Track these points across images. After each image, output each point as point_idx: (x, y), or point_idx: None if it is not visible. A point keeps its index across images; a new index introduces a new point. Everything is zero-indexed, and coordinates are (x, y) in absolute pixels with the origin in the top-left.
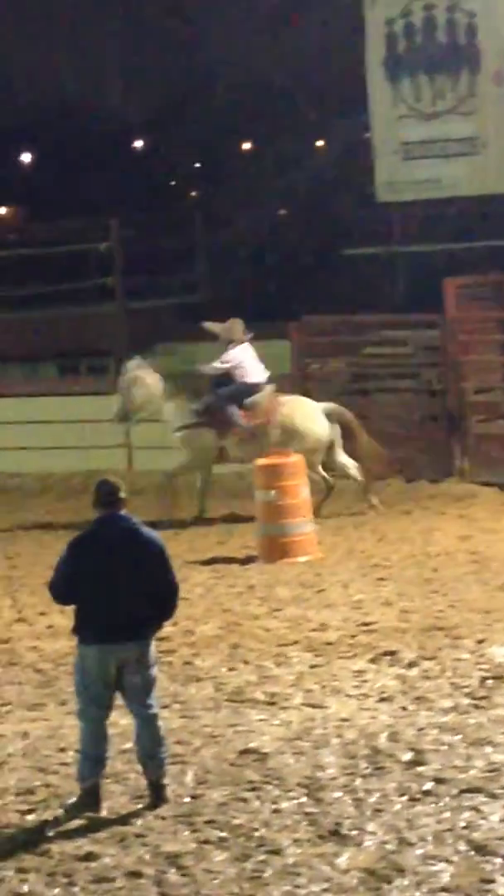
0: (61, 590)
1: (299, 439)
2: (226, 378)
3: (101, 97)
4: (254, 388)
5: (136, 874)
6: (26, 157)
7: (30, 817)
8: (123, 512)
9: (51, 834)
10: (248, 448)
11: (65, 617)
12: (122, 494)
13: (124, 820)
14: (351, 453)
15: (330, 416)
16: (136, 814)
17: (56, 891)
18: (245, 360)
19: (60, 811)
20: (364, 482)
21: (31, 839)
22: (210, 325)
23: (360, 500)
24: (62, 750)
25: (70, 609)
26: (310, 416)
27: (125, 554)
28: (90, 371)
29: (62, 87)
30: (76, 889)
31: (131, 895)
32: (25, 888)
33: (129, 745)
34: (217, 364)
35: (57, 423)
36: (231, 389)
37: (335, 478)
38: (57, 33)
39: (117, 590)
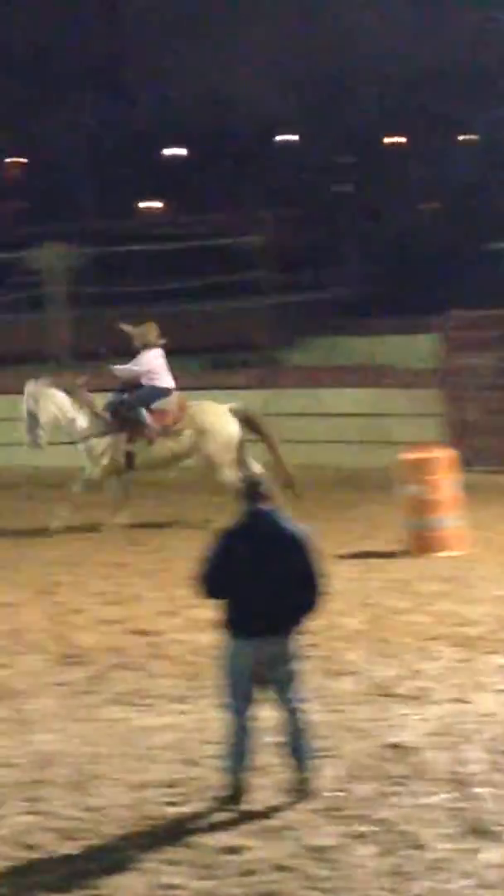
0: (209, 583)
1: (211, 438)
2: (135, 383)
3: (252, 93)
4: (163, 392)
5: (281, 867)
6: (179, 153)
7: (174, 810)
8: (269, 506)
9: (196, 827)
10: (156, 453)
11: (210, 610)
12: (268, 489)
13: (270, 813)
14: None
15: (235, 414)
16: (281, 807)
17: (201, 883)
18: (157, 366)
19: (206, 804)
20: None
21: (176, 831)
22: (125, 327)
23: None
24: (207, 743)
25: (215, 602)
26: (218, 415)
27: (271, 548)
28: (243, 365)
29: (215, 83)
30: (221, 882)
31: (277, 888)
32: (168, 880)
33: (274, 738)
34: (130, 366)
35: None
36: (141, 393)
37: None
38: (207, 31)
39: (264, 583)
